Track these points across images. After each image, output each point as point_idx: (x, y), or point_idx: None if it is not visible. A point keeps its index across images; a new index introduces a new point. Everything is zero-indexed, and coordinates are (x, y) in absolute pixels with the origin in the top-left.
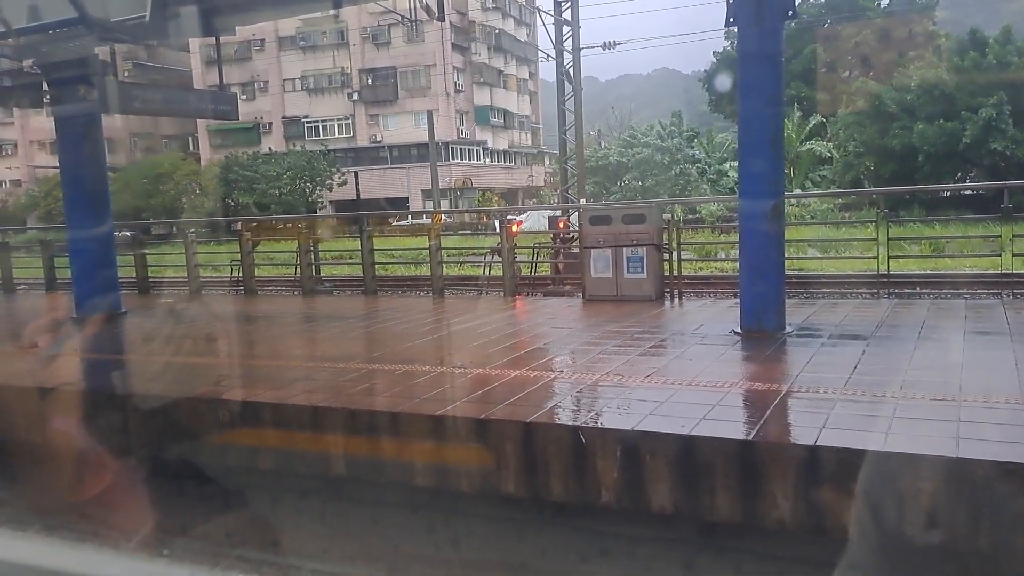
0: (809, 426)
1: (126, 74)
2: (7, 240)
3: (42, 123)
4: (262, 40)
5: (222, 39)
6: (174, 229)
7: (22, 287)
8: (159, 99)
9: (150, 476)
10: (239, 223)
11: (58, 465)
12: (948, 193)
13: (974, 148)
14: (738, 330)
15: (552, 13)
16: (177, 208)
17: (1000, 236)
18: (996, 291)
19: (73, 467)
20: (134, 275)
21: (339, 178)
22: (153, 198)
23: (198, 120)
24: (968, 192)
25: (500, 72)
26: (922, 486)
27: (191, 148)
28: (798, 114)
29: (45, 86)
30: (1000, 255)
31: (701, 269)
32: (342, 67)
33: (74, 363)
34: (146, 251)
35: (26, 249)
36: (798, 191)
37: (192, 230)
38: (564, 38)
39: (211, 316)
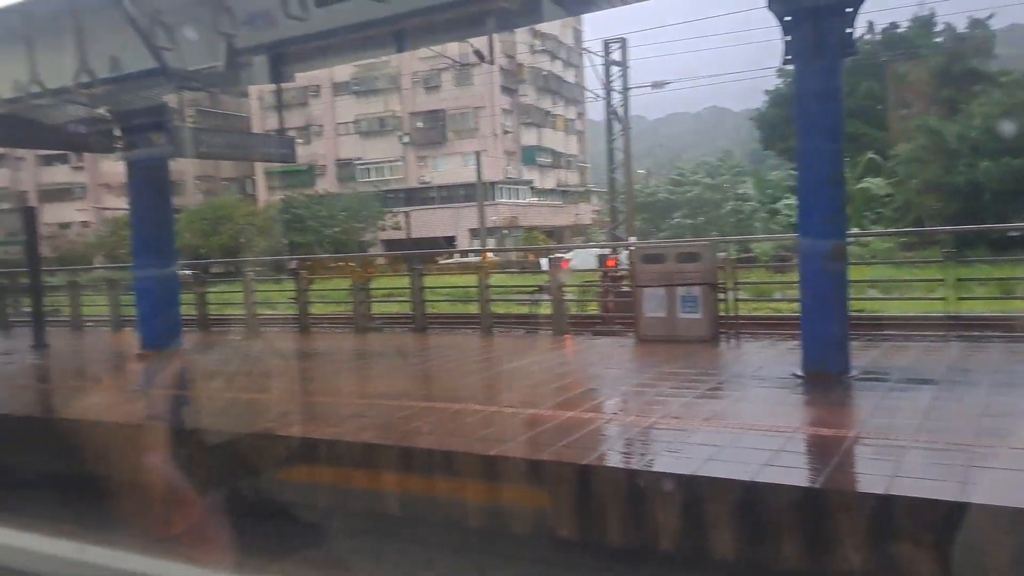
0: (880, 474)
1: (190, 120)
2: (77, 279)
3: (109, 167)
4: (318, 86)
5: (282, 86)
6: (233, 268)
7: (89, 324)
8: (223, 144)
9: (207, 510)
10: (296, 262)
11: (113, 493)
12: (1018, 233)
13: None
14: (800, 373)
15: (601, 54)
16: (235, 248)
17: None
18: None
19: (134, 498)
20: (195, 313)
21: (390, 219)
22: (212, 238)
23: (255, 163)
24: None
25: (547, 113)
26: (1006, 539)
27: (248, 190)
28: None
29: (116, 132)
30: None
31: (756, 309)
32: (393, 111)
33: (137, 399)
34: (206, 289)
35: (93, 288)
36: (856, 229)
37: (251, 269)
38: (612, 78)
39: (268, 353)
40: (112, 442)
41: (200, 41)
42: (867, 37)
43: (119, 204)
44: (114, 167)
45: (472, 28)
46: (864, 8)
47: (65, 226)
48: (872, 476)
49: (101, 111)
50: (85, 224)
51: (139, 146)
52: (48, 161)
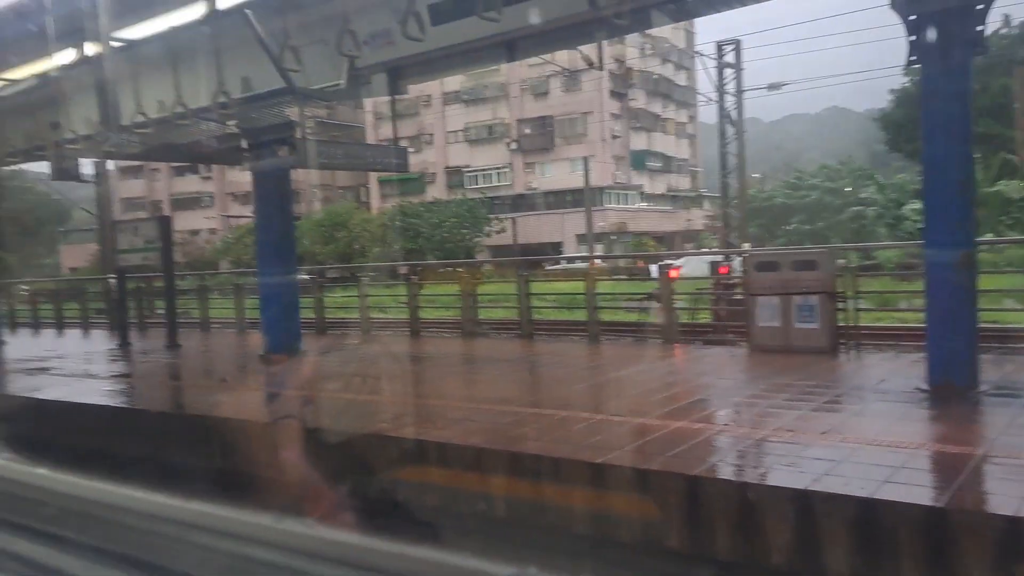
0: (1009, 495)
1: (310, 132)
2: (205, 283)
3: (236, 176)
4: (429, 96)
5: (396, 97)
6: (348, 273)
7: (216, 325)
8: (341, 154)
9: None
10: (407, 268)
11: (241, 486)
12: None
13: None
14: (924, 386)
15: (714, 57)
16: (350, 254)
17: None
18: None
19: (261, 491)
20: (313, 316)
21: (497, 225)
22: (329, 244)
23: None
24: None
25: (658, 117)
26: None
27: (362, 197)
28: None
29: (244, 145)
30: None
31: (880, 320)
32: (502, 118)
33: (260, 398)
34: (323, 294)
35: (220, 291)
36: (990, 235)
37: (364, 275)
38: (726, 81)
39: (380, 356)
40: (235, 437)
41: (324, 61)
42: (1003, 31)
43: (244, 212)
44: (239, 177)
45: (580, 38)
46: (999, 1)
47: (194, 233)
48: (1001, 496)
49: (231, 127)
50: (212, 231)
51: (264, 158)
52: (179, 172)
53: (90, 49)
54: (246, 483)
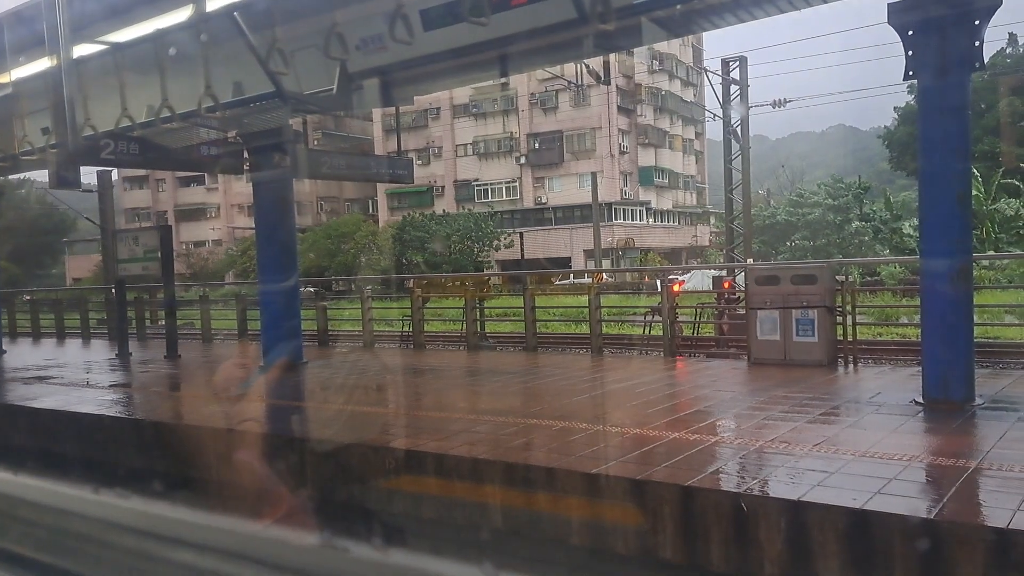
0: (1001, 507)
1: (316, 143)
2: (207, 294)
3: (242, 188)
4: (438, 108)
5: (401, 108)
6: (352, 286)
7: (219, 337)
8: (343, 165)
9: (319, 512)
10: (411, 281)
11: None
12: None
13: None
14: (920, 400)
15: (720, 73)
16: (357, 266)
17: None
18: None
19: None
20: (315, 327)
21: (505, 239)
22: (336, 257)
23: (377, 184)
24: None
25: (665, 133)
26: None
27: (370, 210)
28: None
29: (246, 154)
30: None
31: (880, 334)
32: (511, 132)
33: (257, 408)
34: (326, 306)
35: (223, 303)
36: (991, 252)
37: (368, 287)
38: (732, 97)
39: (382, 368)
40: (224, 447)
41: (318, 67)
42: (1008, 51)
43: (250, 224)
44: (245, 188)
45: (572, 51)
46: (1004, 20)
47: (199, 244)
48: (993, 509)
49: (231, 134)
50: (218, 242)
51: (264, 167)
52: (185, 182)
53: (77, 53)
54: (240, 501)
